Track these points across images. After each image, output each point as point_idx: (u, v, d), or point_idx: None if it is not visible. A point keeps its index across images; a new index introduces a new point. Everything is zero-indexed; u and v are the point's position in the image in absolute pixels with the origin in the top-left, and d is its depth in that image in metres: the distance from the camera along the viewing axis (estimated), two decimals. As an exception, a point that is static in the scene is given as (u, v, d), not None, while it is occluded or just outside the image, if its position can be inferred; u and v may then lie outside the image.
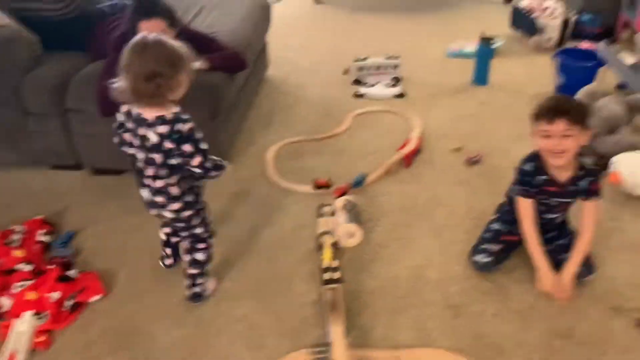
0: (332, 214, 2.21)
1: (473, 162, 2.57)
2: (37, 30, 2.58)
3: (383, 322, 1.81)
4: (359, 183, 2.45)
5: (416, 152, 2.66)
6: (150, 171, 1.67)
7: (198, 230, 1.82)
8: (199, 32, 2.57)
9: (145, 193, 1.75)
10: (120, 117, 1.70)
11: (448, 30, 4.21)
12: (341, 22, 4.50)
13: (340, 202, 2.25)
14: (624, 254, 2.02)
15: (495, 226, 2.02)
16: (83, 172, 2.65)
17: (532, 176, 1.81)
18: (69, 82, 2.41)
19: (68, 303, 1.92)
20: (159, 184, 1.68)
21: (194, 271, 1.88)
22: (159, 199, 1.72)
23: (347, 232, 2.11)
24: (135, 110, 1.62)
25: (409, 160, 2.61)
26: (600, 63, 3.01)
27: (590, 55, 3.11)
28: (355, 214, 2.17)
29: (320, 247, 2.06)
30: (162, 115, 1.57)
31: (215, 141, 2.44)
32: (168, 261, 2.08)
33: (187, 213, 1.75)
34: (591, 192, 1.80)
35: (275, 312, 1.86)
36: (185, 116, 1.60)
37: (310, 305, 1.88)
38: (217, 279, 2.00)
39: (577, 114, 1.68)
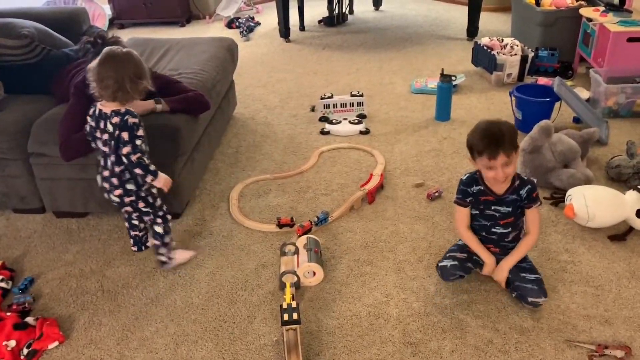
0: (295, 252, 2.22)
1: (434, 197, 2.62)
2: (0, 74, 2.60)
3: (343, 362, 1.82)
4: (322, 221, 2.48)
5: (379, 188, 2.71)
6: (102, 161, 2.08)
7: (145, 211, 2.16)
8: (162, 76, 2.60)
9: (98, 178, 2.12)
10: (89, 120, 2.06)
11: (413, 67, 4.33)
12: (309, 60, 4.60)
13: (302, 240, 2.27)
14: (578, 285, 2.07)
15: (461, 242, 2.13)
16: (45, 216, 2.64)
17: (468, 187, 1.98)
18: (31, 126, 2.41)
19: (25, 351, 1.89)
20: (106, 173, 2.07)
21: (156, 242, 2.22)
22: (106, 184, 2.09)
23: (308, 271, 2.13)
24: (98, 108, 2.01)
25: (372, 196, 2.65)
26: (556, 98, 3.12)
27: (547, 90, 3.22)
28: (316, 253, 2.19)
29: (283, 287, 2.07)
30: (117, 110, 1.97)
31: (179, 180, 2.47)
32: (134, 247, 2.37)
33: (128, 199, 2.10)
34: (532, 199, 1.92)
35: (234, 355, 1.86)
36: (135, 114, 1.99)
37: (271, 347, 1.88)
38: (192, 251, 2.33)
39: (512, 141, 1.80)
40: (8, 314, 2.02)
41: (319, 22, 5.55)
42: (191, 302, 2.10)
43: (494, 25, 5.19)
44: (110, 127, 1.97)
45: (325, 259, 2.26)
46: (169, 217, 2.23)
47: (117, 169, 2.04)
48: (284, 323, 1.82)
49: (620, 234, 2.30)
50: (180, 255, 2.29)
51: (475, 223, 2.04)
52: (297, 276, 2.10)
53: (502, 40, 4.03)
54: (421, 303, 2.03)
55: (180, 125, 2.43)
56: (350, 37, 5.13)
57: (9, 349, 1.88)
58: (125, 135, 1.95)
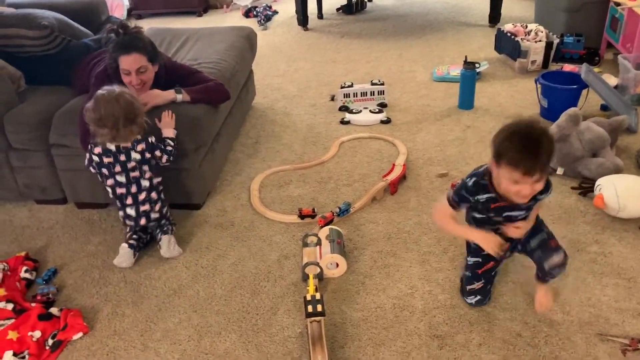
0: (317, 244, 2.19)
1: (458, 187, 2.57)
2: (21, 66, 2.60)
3: (368, 354, 1.79)
4: (344, 211, 2.44)
5: (402, 178, 2.67)
6: (133, 188, 2.16)
7: (168, 219, 2.31)
8: (182, 66, 2.59)
9: (131, 211, 2.19)
10: (94, 157, 2.14)
11: (434, 54, 4.25)
12: (328, 49, 4.55)
13: (324, 231, 2.24)
14: (609, 278, 2.01)
15: (470, 261, 1.93)
16: (67, 207, 2.64)
17: (472, 195, 1.72)
18: (52, 118, 2.41)
19: (50, 342, 1.90)
20: (142, 196, 2.17)
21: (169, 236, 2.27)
22: (145, 206, 2.19)
23: (331, 262, 2.10)
24: (111, 145, 2.10)
25: (394, 187, 2.61)
26: (583, 85, 3.04)
27: (573, 77, 3.14)
28: (339, 244, 2.16)
29: (306, 278, 2.05)
30: (137, 138, 2.11)
31: (200, 172, 2.45)
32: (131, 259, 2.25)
33: (165, 209, 2.27)
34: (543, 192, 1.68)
35: (257, 347, 1.84)
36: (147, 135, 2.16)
37: (295, 338, 1.86)
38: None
39: (550, 158, 1.54)
40: (33, 304, 2.03)
41: (337, 10, 5.48)
42: (214, 293, 2.08)
43: (517, 11, 5.08)
44: (137, 156, 2.12)
45: (347, 250, 2.23)
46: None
47: (155, 181, 2.20)
48: (308, 315, 1.80)
49: (652, 225, 2.24)
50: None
51: (477, 222, 1.83)
52: (320, 267, 2.07)
53: (526, 26, 3.93)
54: (447, 295, 1.99)
55: (201, 115, 2.41)
56: (369, 25, 5.05)
57: (34, 339, 1.89)
58: (158, 153, 2.17)
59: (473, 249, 1.92)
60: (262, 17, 5.33)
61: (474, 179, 1.71)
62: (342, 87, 3.49)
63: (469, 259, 1.94)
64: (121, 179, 2.14)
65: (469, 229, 1.83)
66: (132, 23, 2.38)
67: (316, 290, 1.92)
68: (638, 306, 1.88)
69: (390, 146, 3.00)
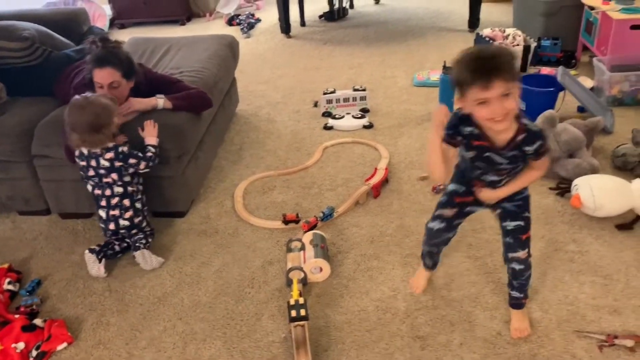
0: (301, 248, 2.22)
1: (439, 190, 2.61)
2: (3, 77, 2.61)
3: (351, 357, 1.81)
4: (328, 216, 2.47)
5: (384, 182, 2.70)
6: (107, 192, 2.20)
7: (145, 230, 2.32)
8: (163, 76, 2.61)
9: (102, 213, 2.24)
10: (77, 159, 2.21)
11: (415, 60, 4.30)
12: (311, 56, 4.58)
13: (308, 236, 2.27)
14: (586, 275, 2.06)
15: (451, 187, 1.83)
16: (51, 217, 2.64)
17: (458, 123, 1.60)
18: (34, 128, 2.42)
19: (34, 353, 1.90)
20: (114, 200, 2.21)
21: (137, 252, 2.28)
22: (115, 212, 2.22)
23: (315, 267, 2.12)
24: (84, 149, 2.16)
25: (377, 190, 2.64)
26: (560, 88, 3.10)
27: (551, 80, 3.20)
28: (323, 248, 2.18)
29: (290, 283, 2.07)
30: (106, 146, 2.14)
31: (184, 179, 2.47)
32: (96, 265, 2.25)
33: (137, 219, 2.27)
34: (540, 154, 1.58)
35: (242, 353, 1.86)
36: (119, 144, 2.19)
37: (279, 343, 1.88)
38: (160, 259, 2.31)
39: (510, 66, 1.42)
40: (16, 316, 2.03)
41: (320, 17, 5.53)
42: (198, 300, 2.10)
43: (495, 16, 5.15)
44: (105, 163, 2.15)
45: (331, 255, 2.25)
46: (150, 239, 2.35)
47: (130, 189, 2.23)
48: (292, 319, 1.82)
49: (627, 223, 2.29)
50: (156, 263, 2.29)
51: (465, 162, 1.73)
52: (304, 272, 2.09)
53: (504, 30, 4.00)
54: (429, 296, 2.02)
55: (183, 123, 2.43)
56: (351, 32, 5.10)
57: (18, 351, 1.89)
58: (132, 161, 2.18)
59: (457, 178, 1.82)
60: (245, 25, 5.35)
61: (461, 111, 1.59)
62: (325, 93, 3.52)
63: (450, 185, 1.84)
64: (95, 181, 2.20)
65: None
66: (113, 37, 2.39)
67: (300, 295, 1.94)
68: (614, 303, 1.93)
69: (372, 151, 3.04)
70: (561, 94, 3.13)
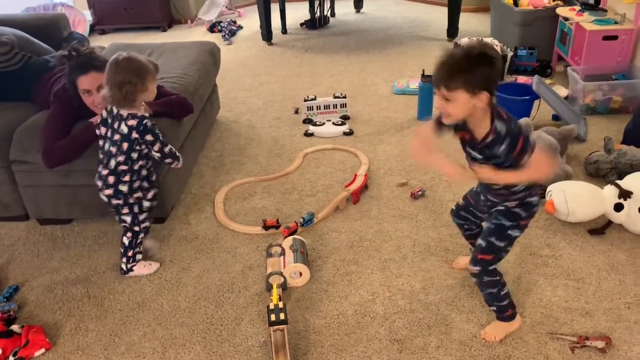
0: (281, 254, 2.24)
1: (417, 196, 2.65)
2: (-19, 82, 2.58)
3: (330, 361, 1.83)
4: (308, 222, 2.49)
5: (364, 188, 2.74)
6: (112, 160, 2.11)
7: (126, 218, 2.21)
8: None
9: (103, 172, 2.16)
10: (103, 114, 2.15)
11: (394, 68, 4.36)
12: (292, 63, 4.62)
13: (288, 241, 2.29)
14: (559, 279, 2.11)
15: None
16: (29, 223, 2.62)
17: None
18: (12, 134, 2.40)
19: (11, 359, 1.88)
20: (105, 172, 2.14)
21: (122, 249, 2.25)
22: (99, 182, 2.16)
23: (294, 271, 2.14)
24: (114, 108, 2.09)
25: (356, 196, 2.67)
26: (535, 96, 3.18)
27: (527, 89, 3.28)
28: (302, 253, 2.21)
29: (270, 288, 2.09)
30: (134, 113, 2.06)
31: (164, 185, 2.47)
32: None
33: (115, 201, 2.17)
34: (521, 152, 1.56)
35: (222, 357, 1.87)
36: (148, 117, 2.11)
37: (259, 347, 1.89)
38: (155, 265, 2.30)
39: (451, 75, 1.49)
40: (-7, 322, 2.01)
41: (301, 25, 5.57)
42: (178, 305, 2.10)
43: (474, 25, 5.26)
44: (124, 129, 2.06)
45: (311, 260, 2.28)
46: (141, 235, 2.26)
47: (120, 168, 2.11)
48: (271, 324, 1.83)
49: (599, 228, 2.35)
50: (140, 269, 2.27)
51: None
52: (284, 277, 2.11)
53: (482, 40, 4.08)
54: (406, 300, 2.06)
55: (164, 129, 2.42)
56: (332, 40, 5.15)
57: (-6, 357, 1.87)
58: (149, 137, 2.09)
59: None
60: (227, 32, 5.37)
61: None
62: (305, 100, 3.56)
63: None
64: (106, 145, 2.13)
65: (442, 160, 1.69)
66: (92, 42, 2.39)
67: (280, 299, 1.96)
68: (586, 305, 1.98)
69: (352, 157, 3.08)
70: (536, 102, 3.22)
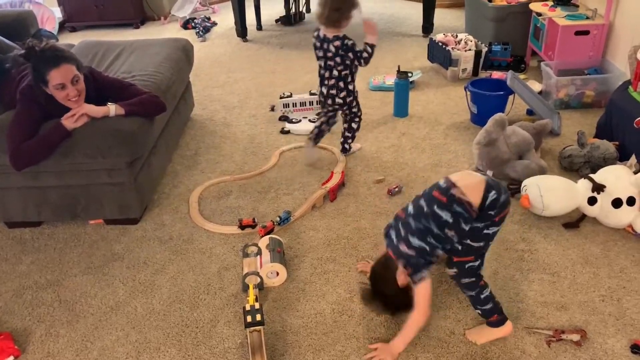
0: (258, 253, 2.21)
1: (394, 192, 2.64)
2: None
3: (308, 361, 1.81)
4: (284, 220, 2.47)
5: (341, 185, 2.72)
6: (327, 73, 2.70)
7: (354, 109, 2.85)
8: (114, 80, 2.55)
9: (323, 89, 2.76)
10: (313, 40, 2.69)
11: (370, 64, 4.33)
12: (267, 60, 4.58)
13: (265, 241, 2.26)
14: (535, 273, 2.12)
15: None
16: (-3, 227, 2.55)
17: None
18: (-23, 134, 2.32)
19: (-22, 368, 1.83)
20: (332, 81, 2.70)
21: (348, 134, 2.94)
22: (333, 91, 2.72)
23: (271, 271, 2.12)
24: (322, 32, 2.62)
25: (333, 194, 2.65)
26: (510, 92, 3.19)
27: (501, 84, 3.30)
28: (279, 253, 2.18)
29: (246, 288, 2.06)
30: (337, 35, 2.60)
31: (136, 185, 2.42)
32: (314, 142, 2.94)
33: (349, 98, 2.77)
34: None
35: (198, 360, 1.84)
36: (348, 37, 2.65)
37: (235, 349, 1.86)
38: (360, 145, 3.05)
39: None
40: (-41, 330, 1.94)
41: (276, 21, 5.53)
42: (152, 308, 2.06)
43: (448, 21, 5.27)
44: (332, 49, 2.59)
45: (288, 259, 2.25)
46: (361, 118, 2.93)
47: (343, 73, 2.68)
48: (248, 325, 1.81)
49: (573, 222, 2.38)
50: (355, 146, 3.03)
51: None
52: (260, 277, 2.08)
53: (457, 36, 4.10)
54: (384, 298, 2.04)
55: (135, 128, 2.38)
56: (308, 36, 5.10)
57: (-40, 366, 1.81)
58: (351, 55, 2.62)
59: None
60: (201, 28, 5.30)
61: None
62: (281, 97, 3.52)
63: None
64: (321, 62, 2.68)
65: None
66: (44, 41, 2.30)
67: (256, 300, 1.93)
68: (561, 299, 2.00)
69: (329, 154, 3.06)
70: (511, 97, 3.23)
